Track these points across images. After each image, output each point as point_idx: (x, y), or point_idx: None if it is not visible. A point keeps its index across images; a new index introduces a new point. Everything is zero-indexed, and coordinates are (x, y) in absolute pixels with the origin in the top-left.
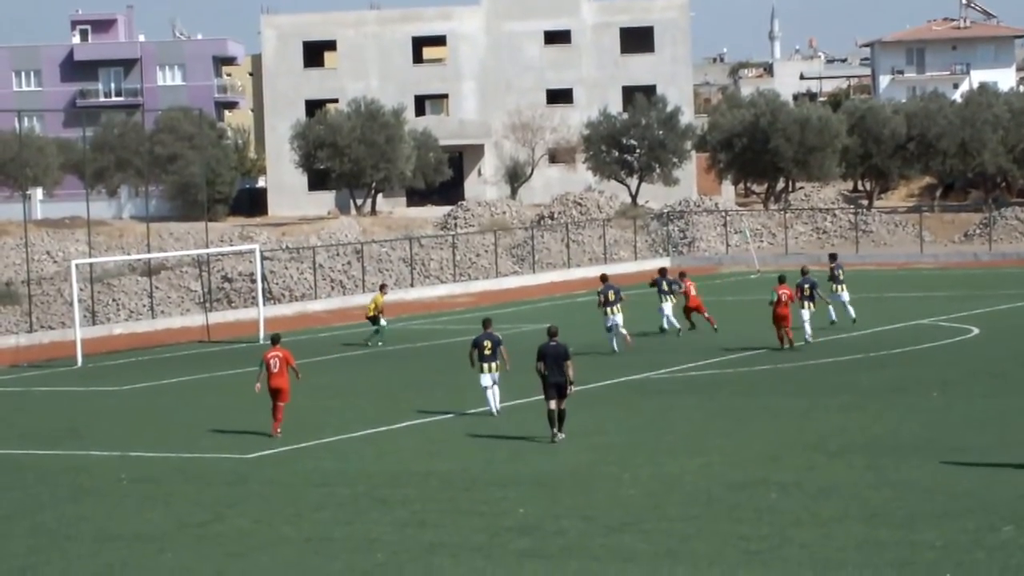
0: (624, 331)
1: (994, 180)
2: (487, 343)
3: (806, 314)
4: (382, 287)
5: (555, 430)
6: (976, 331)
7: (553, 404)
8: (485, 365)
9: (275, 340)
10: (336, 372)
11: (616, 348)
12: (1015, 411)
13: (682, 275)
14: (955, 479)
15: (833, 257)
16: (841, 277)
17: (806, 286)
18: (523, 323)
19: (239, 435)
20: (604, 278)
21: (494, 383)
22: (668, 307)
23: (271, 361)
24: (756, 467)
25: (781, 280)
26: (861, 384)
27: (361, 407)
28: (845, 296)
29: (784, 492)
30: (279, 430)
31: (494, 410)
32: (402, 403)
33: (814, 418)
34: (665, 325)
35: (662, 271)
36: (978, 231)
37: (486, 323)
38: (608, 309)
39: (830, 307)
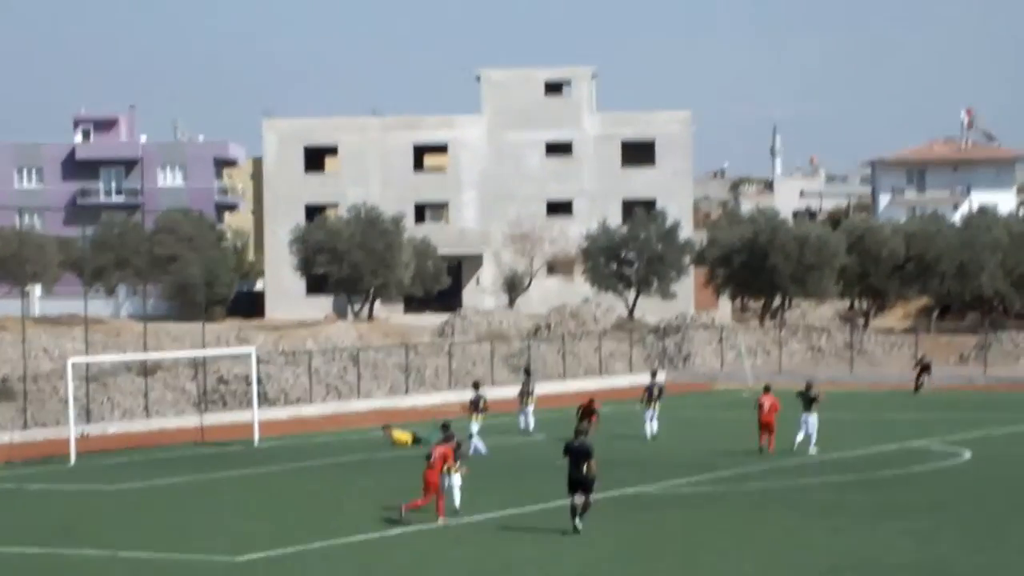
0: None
1: (991, 303)
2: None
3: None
4: (386, 427)
5: (575, 521)
6: (968, 455)
7: (576, 498)
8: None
9: (446, 428)
10: (329, 478)
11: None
12: (1006, 536)
13: (766, 388)
14: None
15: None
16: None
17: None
18: (515, 435)
19: (231, 537)
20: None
21: (452, 486)
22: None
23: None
24: None
25: (766, 390)
26: (852, 505)
27: (353, 513)
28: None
29: None
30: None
31: (456, 504)
32: (394, 511)
33: (805, 538)
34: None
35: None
36: (974, 354)
37: (445, 427)
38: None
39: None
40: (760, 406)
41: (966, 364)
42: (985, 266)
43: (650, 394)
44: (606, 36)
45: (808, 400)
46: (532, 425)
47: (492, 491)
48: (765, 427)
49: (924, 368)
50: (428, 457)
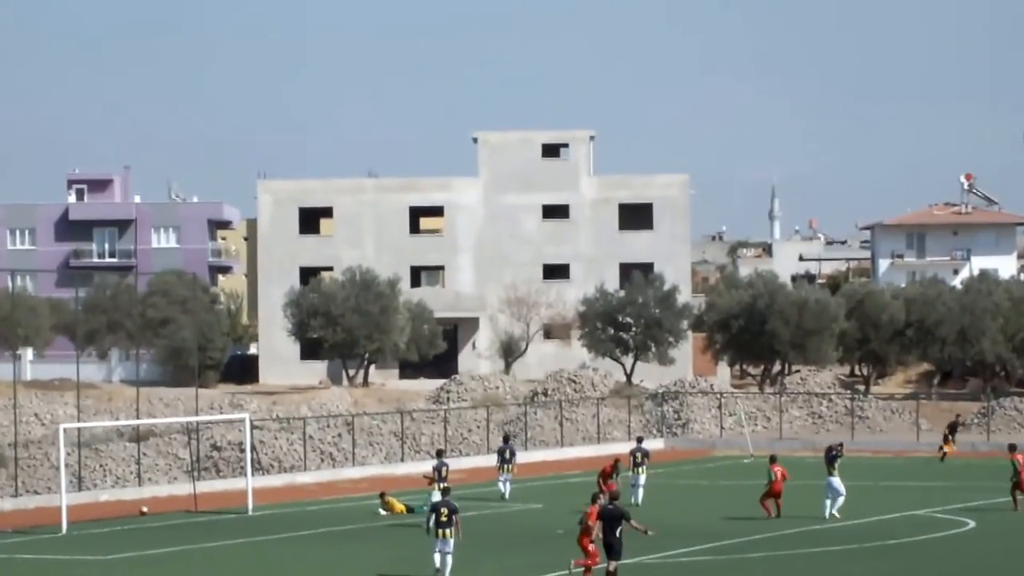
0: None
1: (993, 369)
2: (444, 510)
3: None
4: (382, 495)
5: None
6: (972, 524)
7: (611, 565)
8: (440, 531)
9: (446, 492)
10: (324, 547)
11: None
12: None
13: (772, 459)
14: None
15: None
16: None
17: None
18: (513, 502)
19: None
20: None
21: (447, 550)
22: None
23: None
24: None
25: (773, 460)
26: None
27: None
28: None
29: None
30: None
31: (437, 566)
32: None
33: None
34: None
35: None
36: (976, 421)
37: (446, 492)
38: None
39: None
40: (774, 478)
41: (968, 431)
42: (986, 331)
43: (634, 459)
44: (604, 99)
45: (831, 461)
46: (508, 492)
47: (488, 560)
48: (777, 496)
49: (952, 430)
50: (581, 522)
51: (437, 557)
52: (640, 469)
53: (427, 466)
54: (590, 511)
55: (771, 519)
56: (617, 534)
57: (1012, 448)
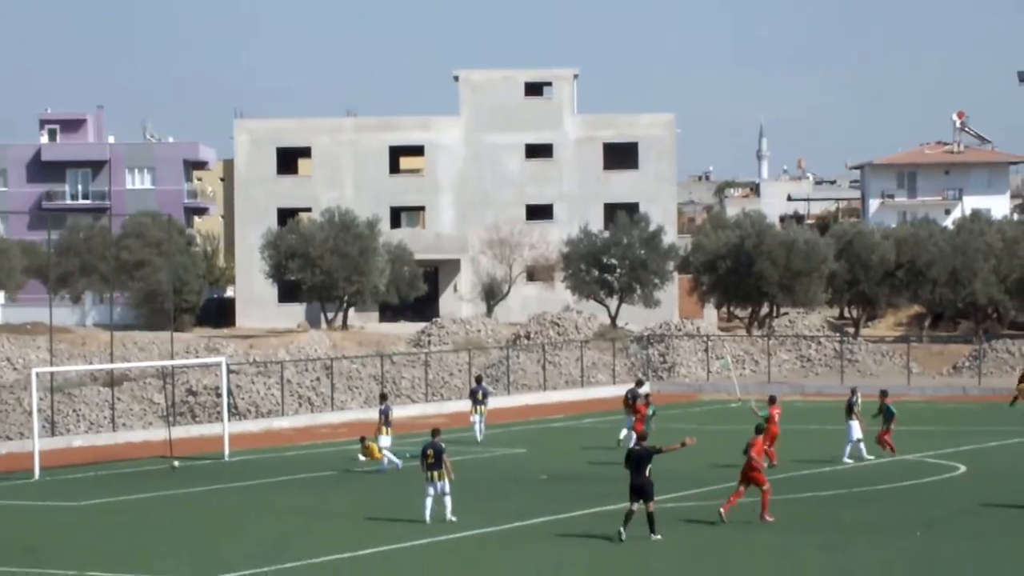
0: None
1: (985, 311)
2: (430, 451)
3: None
4: (362, 440)
5: (622, 529)
6: (963, 468)
7: (635, 505)
8: (429, 474)
9: (436, 433)
10: (301, 493)
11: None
12: (1002, 552)
13: (772, 400)
14: None
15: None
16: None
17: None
18: (496, 447)
19: (198, 556)
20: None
21: (442, 492)
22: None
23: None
24: None
25: (772, 401)
26: (843, 521)
27: (327, 531)
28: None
29: None
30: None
31: (426, 518)
32: (369, 528)
33: (795, 556)
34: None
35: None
36: (967, 364)
37: (435, 432)
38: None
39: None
40: (771, 418)
41: (960, 374)
42: (978, 273)
43: (625, 401)
44: (588, 38)
45: (849, 408)
46: (480, 435)
47: (472, 506)
48: (774, 439)
49: None
50: (746, 451)
51: (429, 503)
52: (629, 411)
53: (409, 411)
54: (754, 443)
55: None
56: (647, 474)
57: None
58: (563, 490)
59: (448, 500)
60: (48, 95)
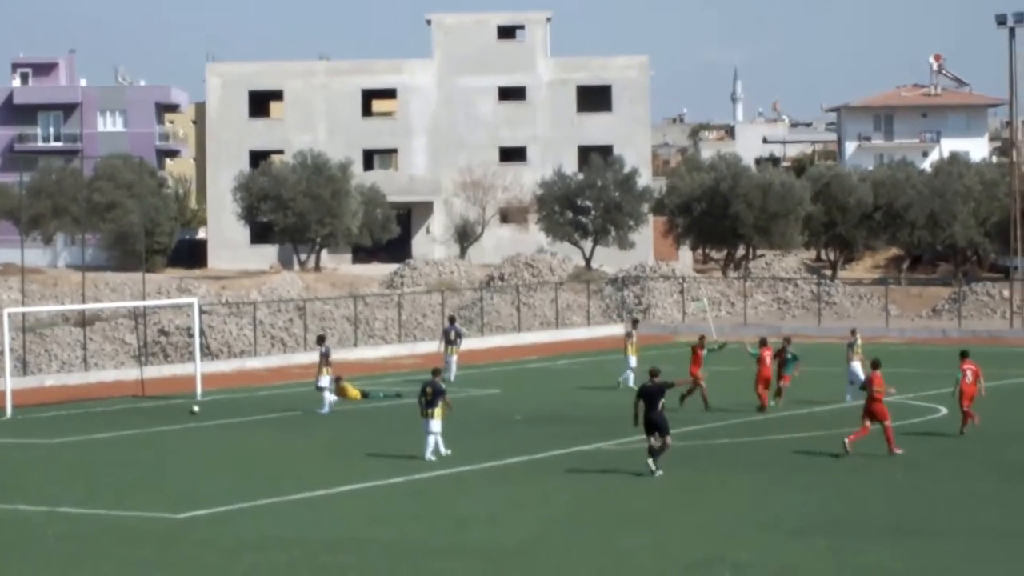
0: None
1: (964, 254)
2: (428, 389)
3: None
4: (337, 380)
5: (651, 462)
6: (944, 411)
7: (653, 440)
8: (427, 411)
9: (436, 373)
10: (274, 433)
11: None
12: (983, 494)
13: (763, 342)
14: (920, 563)
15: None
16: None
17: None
18: (470, 387)
19: (170, 493)
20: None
21: (432, 431)
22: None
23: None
24: (712, 545)
25: (763, 343)
26: (823, 461)
27: (300, 469)
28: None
29: (740, 573)
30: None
31: (427, 455)
32: (343, 466)
33: (773, 495)
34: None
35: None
36: (947, 306)
37: (435, 372)
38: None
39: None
40: (761, 359)
41: (939, 317)
42: (957, 215)
43: (624, 343)
44: None
45: (850, 348)
46: (454, 375)
47: (448, 447)
48: (766, 381)
49: None
50: (863, 387)
51: (430, 440)
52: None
53: (382, 351)
54: (874, 377)
55: (772, 406)
56: (659, 408)
57: None
58: (538, 431)
59: (435, 440)
60: (20, 39)
